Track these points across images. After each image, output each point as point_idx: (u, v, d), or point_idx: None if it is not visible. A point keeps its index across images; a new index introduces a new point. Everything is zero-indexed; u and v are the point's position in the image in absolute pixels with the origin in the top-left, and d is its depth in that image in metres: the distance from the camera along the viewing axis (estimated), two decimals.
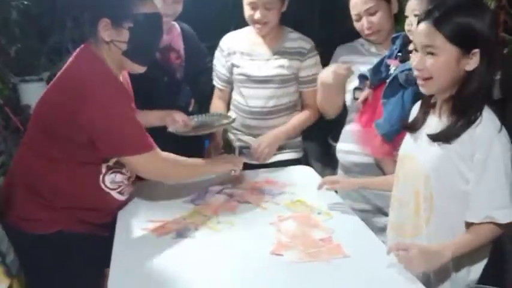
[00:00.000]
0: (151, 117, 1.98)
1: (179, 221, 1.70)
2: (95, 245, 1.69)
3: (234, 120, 2.12)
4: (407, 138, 1.60)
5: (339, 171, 2.25)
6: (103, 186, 1.68)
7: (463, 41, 1.34)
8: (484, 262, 1.52)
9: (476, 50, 1.35)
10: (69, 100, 1.54)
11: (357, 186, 1.89)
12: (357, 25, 2.08)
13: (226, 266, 1.44)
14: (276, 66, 2.21)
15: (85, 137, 1.53)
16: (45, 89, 3.09)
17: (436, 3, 1.40)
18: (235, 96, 2.33)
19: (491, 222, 1.39)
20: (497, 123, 1.40)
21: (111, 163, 1.67)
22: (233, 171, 1.87)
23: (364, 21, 2.02)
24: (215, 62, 2.33)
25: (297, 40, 2.25)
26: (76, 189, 1.63)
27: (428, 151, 1.47)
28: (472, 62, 1.36)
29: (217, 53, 2.32)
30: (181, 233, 1.62)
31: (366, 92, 2.00)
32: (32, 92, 3.15)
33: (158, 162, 1.63)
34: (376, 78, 1.96)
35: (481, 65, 1.36)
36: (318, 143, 3.81)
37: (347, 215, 1.75)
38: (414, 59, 1.43)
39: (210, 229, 1.64)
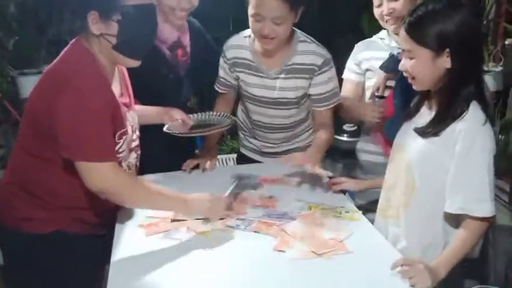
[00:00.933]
0: (150, 114, 1.91)
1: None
2: (92, 245, 1.66)
3: (235, 121, 2.01)
4: (403, 127, 1.64)
5: (359, 173, 2.22)
6: None
7: (432, 43, 1.42)
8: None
9: (447, 50, 1.41)
10: (50, 92, 1.48)
11: (364, 187, 1.88)
12: (377, 11, 1.99)
13: (229, 262, 1.43)
14: (283, 87, 2.01)
15: (51, 127, 1.47)
16: None
17: (410, 11, 1.48)
18: (240, 106, 2.22)
19: (472, 220, 1.41)
20: (482, 117, 1.43)
21: None
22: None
23: (385, 7, 1.93)
24: (220, 69, 2.12)
25: (308, 55, 1.97)
26: (71, 189, 1.58)
27: (415, 141, 1.52)
28: (448, 61, 1.43)
29: (221, 60, 2.09)
30: (171, 234, 1.57)
31: (377, 81, 1.96)
32: (31, 85, 3.09)
33: (109, 177, 1.48)
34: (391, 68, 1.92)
35: (455, 62, 1.42)
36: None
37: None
38: (402, 60, 1.53)
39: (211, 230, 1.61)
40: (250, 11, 1.85)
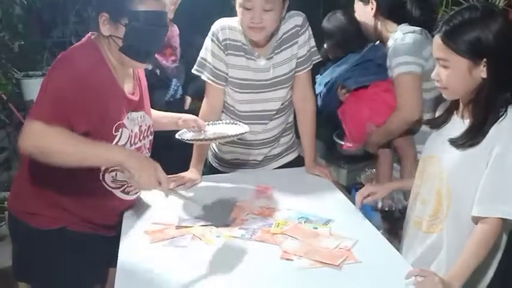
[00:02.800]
0: (165, 121, 1.93)
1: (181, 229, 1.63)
2: (98, 245, 1.67)
3: (248, 130, 1.90)
4: (431, 137, 1.61)
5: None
6: (105, 184, 1.65)
7: (471, 52, 1.38)
8: (492, 271, 1.50)
9: (484, 60, 1.38)
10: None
11: (391, 189, 1.84)
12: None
13: (236, 270, 1.41)
14: (277, 63, 1.98)
15: None
16: None
17: (446, 18, 1.44)
18: (228, 100, 2.07)
19: (485, 224, 1.38)
20: None
21: None
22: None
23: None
24: (209, 56, 1.97)
25: (288, 19, 1.96)
26: (78, 186, 1.60)
27: (449, 152, 1.48)
28: (484, 70, 1.40)
29: (212, 45, 1.95)
30: (176, 242, 1.55)
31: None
32: (35, 87, 3.10)
33: (38, 130, 1.41)
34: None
35: (491, 72, 1.39)
36: (322, 141, 3.79)
37: (358, 219, 1.71)
38: (435, 69, 1.49)
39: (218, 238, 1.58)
40: (239, 0, 1.82)
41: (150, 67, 1.69)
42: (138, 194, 1.78)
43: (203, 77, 2.00)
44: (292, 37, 1.97)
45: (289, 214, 1.70)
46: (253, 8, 1.79)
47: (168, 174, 1.57)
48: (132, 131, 1.66)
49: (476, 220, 1.41)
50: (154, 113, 1.87)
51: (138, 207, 1.78)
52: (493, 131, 1.40)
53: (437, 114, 1.66)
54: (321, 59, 2.09)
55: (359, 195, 1.76)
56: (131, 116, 1.66)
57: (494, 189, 1.38)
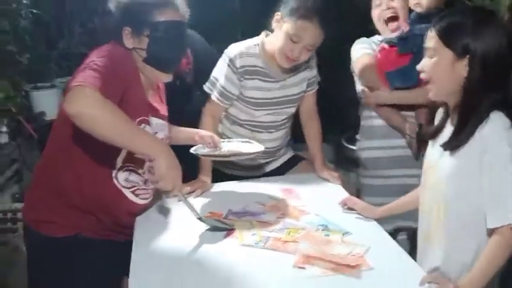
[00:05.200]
0: (182, 135, 1.96)
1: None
2: (111, 251, 1.69)
3: (262, 149, 1.95)
4: (429, 148, 1.61)
5: (362, 171, 2.32)
6: (116, 183, 1.66)
7: (458, 47, 1.40)
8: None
9: (467, 56, 1.39)
10: None
11: (377, 216, 1.76)
12: (375, 12, 2.17)
13: (249, 279, 1.40)
14: (292, 83, 2.11)
15: None
16: (57, 95, 3.17)
17: (441, 15, 1.48)
18: (236, 112, 2.14)
19: (502, 231, 1.35)
20: (506, 121, 1.38)
21: (125, 156, 1.64)
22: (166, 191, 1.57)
23: (384, 4, 2.12)
24: (222, 78, 2.04)
25: None
26: (89, 183, 1.62)
27: (443, 159, 1.49)
28: (466, 69, 1.40)
29: (227, 70, 2.02)
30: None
31: (382, 44, 2.15)
32: (44, 99, 3.16)
33: (93, 96, 1.38)
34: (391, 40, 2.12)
35: (472, 72, 1.39)
36: (331, 145, 3.79)
37: (370, 225, 1.71)
38: (421, 61, 1.52)
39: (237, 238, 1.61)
40: (289, 31, 1.88)
41: (171, 79, 1.71)
42: (149, 199, 1.79)
43: (212, 96, 2.08)
44: (305, 62, 2.07)
45: (312, 219, 1.72)
46: (298, 42, 1.89)
47: None
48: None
49: (490, 232, 1.39)
50: (171, 127, 1.90)
51: (151, 213, 1.80)
52: (478, 138, 1.38)
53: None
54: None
55: (346, 199, 1.83)
56: (151, 120, 1.70)
57: (500, 198, 1.36)
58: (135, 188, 1.70)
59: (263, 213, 1.79)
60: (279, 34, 1.93)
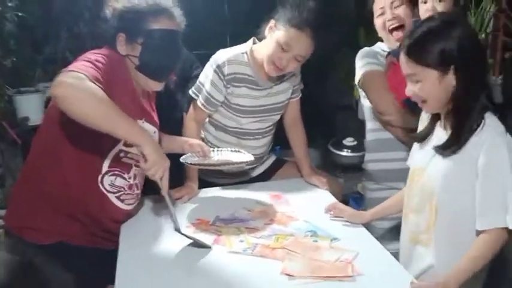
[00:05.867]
0: (171, 144, 1.95)
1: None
2: (97, 259, 1.66)
3: (252, 159, 1.95)
4: (416, 150, 1.62)
5: (369, 183, 2.22)
6: (101, 187, 1.64)
7: (437, 63, 1.40)
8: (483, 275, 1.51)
9: (452, 67, 1.40)
10: None
11: (366, 220, 1.77)
12: (379, 21, 2.08)
13: (237, 287, 1.38)
14: (278, 91, 2.11)
15: None
16: (41, 100, 3.13)
17: (407, 34, 1.47)
18: (222, 119, 2.12)
19: (492, 232, 1.38)
20: (501, 127, 1.41)
21: (111, 160, 1.63)
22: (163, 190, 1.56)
23: (388, 13, 2.03)
24: (207, 84, 2.02)
25: None
26: (75, 187, 1.60)
27: (435, 163, 1.50)
28: (453, 78, 1.41)
29: (213, 75, 2.00)
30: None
31: (390, 58, 2.01)
32: (28, 104, 3.11)
33: (81, 79, 1.38)
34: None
35: (460, 79, 1.40)
36: (318, 150, 3.80)
37: (359, 232, 1.70)
38: (407, 87, 1.50)
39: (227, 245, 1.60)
40: (280, 39, 1.87)
41: (162, 88, 1.71)
42: (133, 205, 1.76)
43: (197, 102, 2.06)
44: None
45: (300, 225, 1.71)
46: (288, 52, 1.88)
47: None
48: None
49: (478, 232, 1.41)
50: (162, 135, 1.90)
51: (136, 219, 1.78)
52: (474, 141, 1.40)
53: (420, 126, 1.65)
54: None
55: (331, 205, 1.81)
56: (143, 125, 1.69)
57: (493, 200, 1.39)
58: (121, 193, 1.69)
59: (251, 219, 1.78)
60: (270, 41, 1.92)
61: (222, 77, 1.99)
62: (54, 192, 1.61)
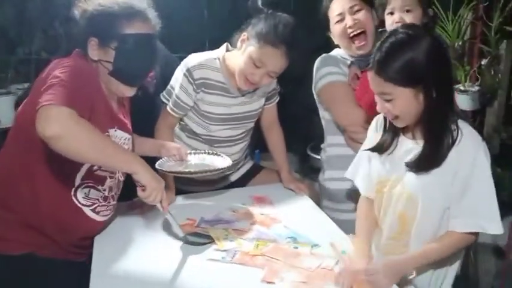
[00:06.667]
0: (146, 146, 1.89)
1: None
2: (68, 272, 1.60)
3: (230, 164, 1.90)
4: (379, 162, 1.56)
5: (325, 201, 2.12)
6: (75, 200, 1.58)
7: (410, 81, 1.35)
8: (454, 273, 1.54)
9: (425, 83, 1.35)
10: (37, 87, 1.46)
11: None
12: (337, 28, 1.93)
13: None
14: (250, 100, 2.04)
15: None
16: (12, 102, 3.05)
17: (375, 51, 1.40)
18: (191, 125, 2.07)
19: (459, 233, 1.42)
20: (477, 136, 1.42)
21: (84, 173, 1.58)
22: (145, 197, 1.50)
23: (348, 19, 1.90)
24: (178, 88, 1.97)
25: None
26: (47, 200, 1.54)
27: (409, 175, 1.46)
28: (428, 93, 1.37)
29: (183, 79, 1.95)
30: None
31: (353, 69, 1.92)
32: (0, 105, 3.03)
33: (64, 120, 1.32)
34: (363, 62, 1.87)
35: (436, 93, 1.36)
36: (297, 154, 3.79)
37: (339, 239, 1.66)
38: (378, 104, 1.45)
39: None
40: (253, 55, 1.81)
41: (134, 93, 1.65)
42: (109, 216, 1.71)
43: (167, 107, 2.02)
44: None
45: (280, 231, 1.69)
46: (261, 68, 1.82)
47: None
48: None
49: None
50: (136, 138, 1.83)
51: (109, 231, 1.72)
52: (454, 152, 1.39)
53: (377, 137, 1.59)
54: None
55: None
56: (115, 133, 1.63)
57: (468, 204, 1.40)
58: (96, 205, 1.63)
59: (236, 220, 1.77)
60: (242, 55, 1.86)
61: (191, 81, 1.94)
62: (25, 205, 1.54)
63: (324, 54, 2.06)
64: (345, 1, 1.91)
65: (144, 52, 1.60)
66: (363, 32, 1.91)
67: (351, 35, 1.91)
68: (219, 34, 2.02)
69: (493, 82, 2.60)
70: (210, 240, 1.63)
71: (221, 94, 1.98)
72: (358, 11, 1.90)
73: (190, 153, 1.93)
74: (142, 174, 1.45)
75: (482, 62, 2.78)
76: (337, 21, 1.92)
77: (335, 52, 2.06)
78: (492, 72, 2.62)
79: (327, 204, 2.10)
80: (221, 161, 1.90)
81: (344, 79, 1.96)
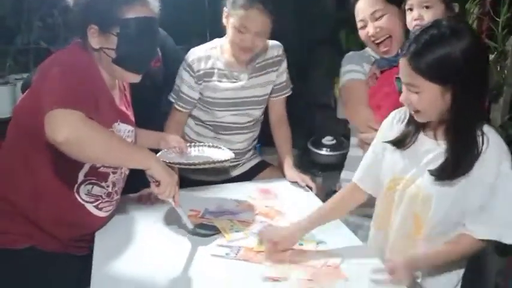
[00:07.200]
0: (146, 137, 1.87)
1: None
2: (70, 265, 1.59)
3: (234, 157, 1.90)
4: (394, 157, 1.50)
5: None
6: (77, 197, 1.56)
7: (441, 77, 1.29)
8: (461, 272, 1.51)
9: (457, 83, 1.29)
10: (36, 81, 1.46)
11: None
12: (362, 33, 1.86)
13: None
14: (254, 85, 2.08)
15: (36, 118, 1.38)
16: (11, 92, 3.02)
17: (411, 39, 1.34)
18: (198, 113, 2.13)
19: (472, 238, 1.39)
20: (502, 142, 1.37)
21: (87, 169, 1.55)
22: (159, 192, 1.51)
23: (370, 27, 1.81)
24: (182, 85, 2.06)
25: (271, 49, 2.11)
26: (49, 197, 1.52)
27: (426, 176, 1.41)
28: (457, 93, 1.30)
29: (185, 75, 2.04)
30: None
31: (373, 68, 1.87)
32: None
33: (74, 124, 1.31)
34: (385, 62, 1.83)
35: (466, 94, 1.30)
36: (298, 149, 3.76)
37: (344, 235, 1.66)
38: (402, 93, 1.39)
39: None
40: (235, 23, 1.91)
41: (139, 79, 1.62)
42: (111, 211, 1.69)
43: (175, 105, 2.09)
44: (273, 65, 2.12)
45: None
46: (246, 32, 1.90)
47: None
48: None
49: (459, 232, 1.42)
50: (136, 130, 1.80)
51: (110, 225, 1.69)
52: (479, 161, 1.34)
53: (394, 131, 1.53)
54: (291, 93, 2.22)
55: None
56: (119, 127, 1.60)
57: (491, 212, 1.36)
58: (99, 201, 1.61)
59: (240, 212, 1.78)
60: (228, 29, 1.96)
61: (192, 74, 2.03)
62: (25, 203, 1.52)
63: (351, 52, 2.01)
64: (366, 7, 1.82)
65: (147, 36, 1.56)
66: (389, 37, 1.82)
67: (375, 42, 1.84)
68: (220, 25, 2.02)
69: (499, 78, 2.56)
70: (217, 231, 1.62)
71: (222, 80, 2.05)
72: (380, 17, 1.80)
73: (190, 146, 1.94)
74: (156, 169, 1.45)
75: (489, 58, 2.74)
76: (361, 27, 1.86)
77: (366, 50, 1.99)
78: (498, 68, 2.58)
79: None
80: (222, 154, 1.91)
81: (363, 78, 1.91)
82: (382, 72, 1.84)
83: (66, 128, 1.29)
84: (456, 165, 1.35)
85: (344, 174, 2.03)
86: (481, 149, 1.34)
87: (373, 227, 1.61)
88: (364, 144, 1.83)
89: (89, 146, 1.33)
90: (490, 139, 1.35)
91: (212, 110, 2.07)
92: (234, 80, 2.05)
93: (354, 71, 1.93)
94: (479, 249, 1.41)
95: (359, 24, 1.86)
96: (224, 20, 1.97)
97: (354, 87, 1.90)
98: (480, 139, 1.34)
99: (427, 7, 1.65)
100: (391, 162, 1.51)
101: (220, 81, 2.04)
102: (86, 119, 1.33)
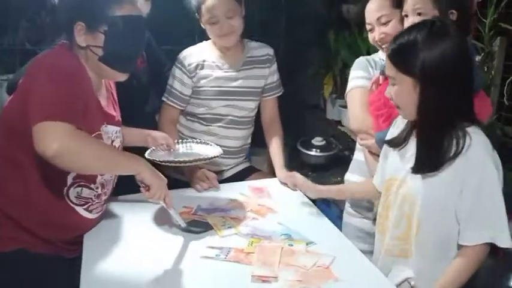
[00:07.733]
0: (133, 135, 1.86)
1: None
2: (59, 268, 1.57)
3: (222, 152, 1.90)
4: (395, 159, 1.53)
5: (347, 203, 2.10)
6: (67, 200, 1.55)
7: (414, 71, 1.34)
8: None
9: (428, 79, 1.34)
10: (23, 83, 1.45)
11: (323, 196, 1.85)
12: (370, 37, 1.87)
13: None
14: (248, 76, 2.13)
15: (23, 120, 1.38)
16: None
17: (395, 36, 1.42)
18: (191, 108, 2.15)
19: (471, 248, 1.38)
20: (488, 144, 1.38)
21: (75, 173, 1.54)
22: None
23: (376, 33, 1.81)
24: (174, 82, 2.10)
25: (260, 48, 2.19)
26: (39, 201, 1.51)
27: (416, 177, 1.43)
28: (427, 91, 1.35)
29: (177, 72, 2.09)
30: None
31: (377, 74, 1.86)
32: None
33: (63, 137, 1.31)
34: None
35: (434, 92, 1.34)
36: (287, 149, 3.76)
37: (334, 236, 1.66)
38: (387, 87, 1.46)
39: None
40: (205, 17, 1.98)
41: (126, 78, 1.60)
42: (101, 212, 1.67)
43: (167, 101, 2.12)
44: (264, 61, 2.18)
45: (275, 228, 1.66)
46: (218, 20, 1.97)
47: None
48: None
49: (459, 245, 1.41)
50: (123, 128, 1.78)
51: (99, 227, 1.68)
52: (461, 160, 1.35)
53: (396, 132, 1.57)
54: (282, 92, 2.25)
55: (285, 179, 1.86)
56: (106, 129, 1.59)
57: (478, 217, 1.37)
58: (88, 204, 1.60)
59: (232, 209, 1.78)
60: (207, 29, 2.03)
61: (184, 69, 2.08)
62: (15, 205, 1.51)
63: (360, 57, 2.00)
64: (373, 10, 1.81)
65: (135, 34, 1.55)
66: None
67: (382, 46, 1.84)
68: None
69: (486, 79, 2.58)
70: (209, 228, 1.63)
71: (214, 70, 2.09)
72: (386, 23, 1.79)
73: (177, 142, 1.94)
74: (146, 174, 1.47)
75: (477, 59, 2.77)
76: (369, 30, 1.86)
77: (376, 54, 1.99)
78: (485, 70, 2.61)
79: (346, 209, 2.11)
80: (210, 149, 1.91)
81: (367, 84, 1.90)
82: (385, 79, 1.82)
83: (56, 142, 1.29)
84: (423, 159, 1.39)
85: (348, 176, 2.07)
86: (461, 149, 1.34)
87: (376, 230, 1.61)
88: (366, 150, 1.88)
89: (78, 158, 1.34)
90: (474, 139, 1.35)
91: (205, 99, 2.09)
92: (226, 70, 2.10)
93: (359, 77, 1.93)
94: (485, 255, 1.39)
95: (367, 27, 1.87)
96: (202, 26, 2.03)
97: (357, 94, 1.92)
98: (462, 140, 1.35)
99: (419, 14, 1.63)
100: (390, 162, 1.56)
101: (212, 71, 2.09)
102: (75, 131, 1.33)
